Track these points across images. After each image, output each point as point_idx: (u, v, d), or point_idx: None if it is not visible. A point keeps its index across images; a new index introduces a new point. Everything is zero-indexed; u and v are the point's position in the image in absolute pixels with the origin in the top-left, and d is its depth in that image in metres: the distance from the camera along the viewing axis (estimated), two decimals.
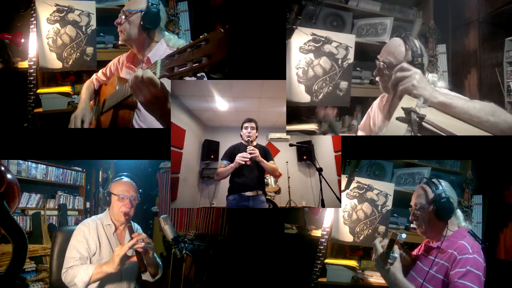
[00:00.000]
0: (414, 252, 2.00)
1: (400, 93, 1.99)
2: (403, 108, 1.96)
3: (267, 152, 2.65)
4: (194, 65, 1.57)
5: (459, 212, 1.91)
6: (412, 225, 2.70)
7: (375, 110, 2.30)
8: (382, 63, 2.08)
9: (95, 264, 2.11)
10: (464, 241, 1.77)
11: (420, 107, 1.93)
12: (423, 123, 1.93)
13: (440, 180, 1.90)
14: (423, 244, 1.97)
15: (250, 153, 2.48)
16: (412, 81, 1.95)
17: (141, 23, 2.25)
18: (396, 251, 1.77)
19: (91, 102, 2.54)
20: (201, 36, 1.59)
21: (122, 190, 2.23)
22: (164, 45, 2.31)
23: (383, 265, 1.77)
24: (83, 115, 2.44)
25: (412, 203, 1.94)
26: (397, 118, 1.97)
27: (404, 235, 1.77)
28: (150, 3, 2.26)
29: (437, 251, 1.82)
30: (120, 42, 2.41)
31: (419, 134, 1.94)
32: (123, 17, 2.29)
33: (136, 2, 2.29)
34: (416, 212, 1.90)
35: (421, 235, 1.95)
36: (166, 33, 2.38)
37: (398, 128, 1.97)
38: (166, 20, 2.44)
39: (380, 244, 1.82)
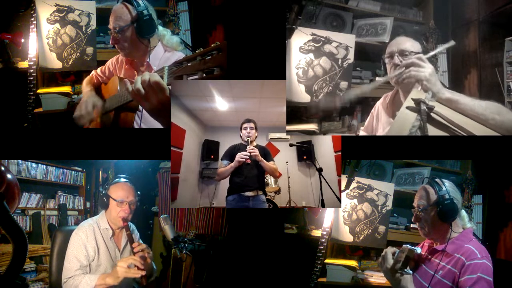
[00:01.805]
0: None
1: (408, 77, 2.06)
2: (413, 99, 2.03)
3: (267, 153, 2.65)
4: (205, 75, 1.50)
5: (463, 212, 1.88)
6: (412, 225, 2.72)
7: (378, 109, 2.30)
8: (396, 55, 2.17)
9: (94, 269, 2.11)
10: (471, 245, 1.74)
11: (429, 100, 2.00)
12: (431, 113, 1.99)
13: (444, 180, 1.86)
14: (426, 245, 1.94)
15: (250, 152, 2.48)
16: (425, 73, 2.03)
17: (137, 35, 2.17)
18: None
19: None
20: (212, 45, 1.51)
21: (122, 195, 2.20)
22: (161, 47, 2.26)
23: (393, 276, 1.77)
24: (94, 101, 2.29)
25: (414, 204, 1.90)
26: (407, 107, 2.03)
27: (419, 250, 1.82)
28: (139, 12, 2.14)
29: (442, 254, 1.79)
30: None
31: (427, 124, 1.99)
32: (116, 36, 2.19)
33: (120, 18, 2.18)
34: (419, 214, 1.86)
35: (424, 237, 1.93)
36: (160, 28, 2.28)
37: (407, 117, 2.03)
38: (156, 16, 2.29)
39: (391, 256, 1.80)
